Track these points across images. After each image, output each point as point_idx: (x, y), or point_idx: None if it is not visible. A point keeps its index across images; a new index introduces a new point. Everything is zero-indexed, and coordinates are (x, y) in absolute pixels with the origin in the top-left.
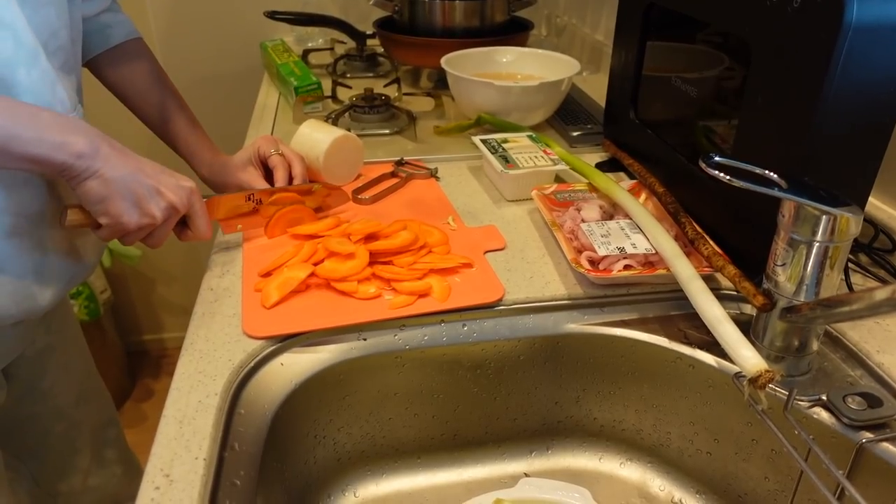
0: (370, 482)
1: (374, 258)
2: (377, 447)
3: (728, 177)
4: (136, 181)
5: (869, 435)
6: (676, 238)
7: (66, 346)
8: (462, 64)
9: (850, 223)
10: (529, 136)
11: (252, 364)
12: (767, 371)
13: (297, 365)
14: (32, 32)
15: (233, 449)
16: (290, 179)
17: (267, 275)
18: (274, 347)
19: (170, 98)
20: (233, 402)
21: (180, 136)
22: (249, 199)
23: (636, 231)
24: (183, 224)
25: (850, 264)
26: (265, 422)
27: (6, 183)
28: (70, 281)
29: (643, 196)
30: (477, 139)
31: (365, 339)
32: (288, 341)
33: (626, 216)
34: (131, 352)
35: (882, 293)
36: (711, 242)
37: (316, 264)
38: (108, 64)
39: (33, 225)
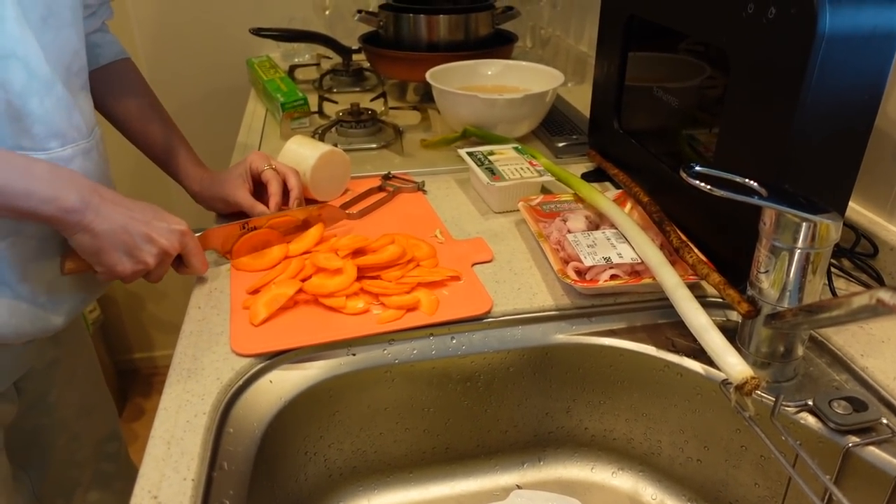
0: (362, 498)
1: (362, 273)
2: (368, 462)
3: (709, 186)
4: (127, 231)
5: (855, 439)
6: (662, 247)
7: (72, 358)
8: (447, 77)
9: (830, 229)
10: (515, 148)
11: (241, 382)
12: (753, 378)
13: (287, 382)
14: (48, 61)
15: (222, 468)
16: (287, 193)
17: (255, 292)
18: (262, 365)
19: (158, 117)
20: (221, 421)
21: (170, 153)
22: (244, 227)
23: (622, 241)
24: (180, 260)
25: (833, 269)
26: (254, 440)
27: None
28: (83, 300)
29: (628, 205)
30: (463, 152)
31: (354, 355)
32: (276, 358)
33: (612, 226)
34: (121, 370)
35: (862, 298)
36: (696, 251)
37: (304, 280)
38: (95, 83)
39: (51, 247)
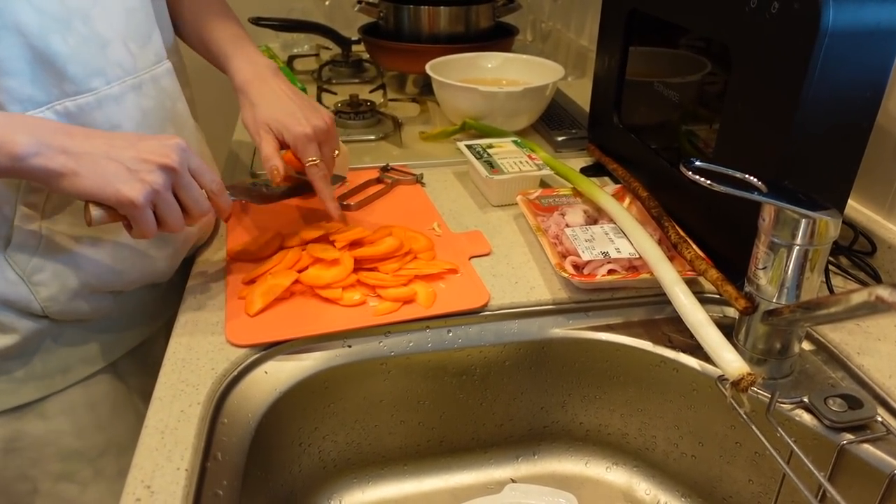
0: (356, 490)
1: (359, 265)
2: (363, 455)
3: (708, 181)
4: (110, 158)
5: (850, 436)
6: (660, 242)
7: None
8: (447, 69)
9: (829, 226)
10: (514, 142)
11: (235, 373)
12: (749, 374)
13: (282, 373)
14: None
15: (215, 459)
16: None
17: (251, 282)
18: (258, 355)
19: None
20: (216, 412)
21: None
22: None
23: (620, 235)
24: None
25: (830, 266)
26: (249, 431)
27: None
28: (184, 241)
29: (627, 200)
30: (462, 145)
31: (350, 346)
32: (272, 349)
33: (611, 221)
34: None
35: (860, 296)
36: (694, 246)
37: (300, 271)
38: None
39: None
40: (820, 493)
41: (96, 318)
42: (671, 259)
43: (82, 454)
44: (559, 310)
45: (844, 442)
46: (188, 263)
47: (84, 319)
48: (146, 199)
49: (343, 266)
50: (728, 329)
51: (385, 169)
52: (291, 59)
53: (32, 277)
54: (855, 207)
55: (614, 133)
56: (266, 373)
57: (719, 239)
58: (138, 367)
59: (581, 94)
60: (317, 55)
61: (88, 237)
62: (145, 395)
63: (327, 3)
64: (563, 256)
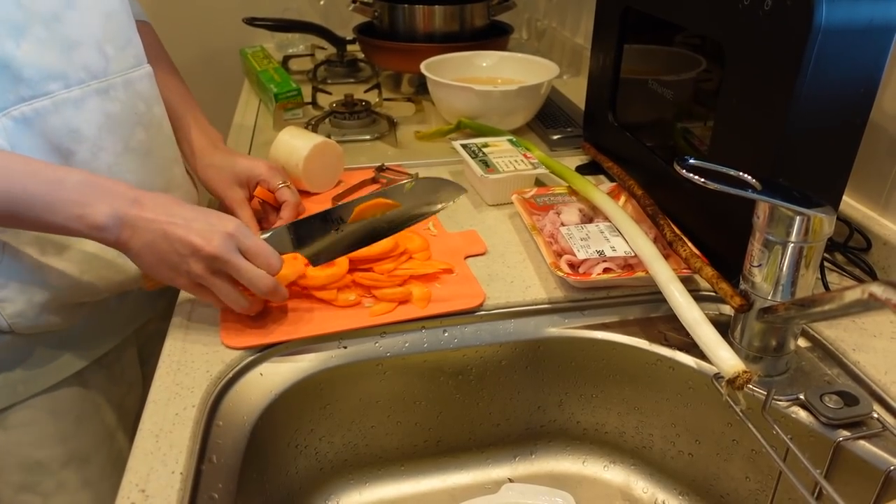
0: (353, 491)
1: (354, 265)
2: (360, 456)
3: (702, 179)
4: (166, 240)
5: (846, 433)
6: (655, 240)
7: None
8: (442, 69)
9: (824, 223)
10: (510, 140)
11: (230, 375)
12: (745, 372)
13: (277, 375)
14: (14, 3)
15: (211, 462)
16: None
17: None
18: (253, 357)
19: (174, 84)
20: (211, 414)
21: (180, 121)
22: (325, 219)
23: (615, 234)
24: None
25: (826, 263)
26: (244, 433)
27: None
28: None
29: (622, 199)
30: (457, 144)
31: (345, 347)
32: (267, 351)
33: (606, 219)
34: None
35: (855, 293)
36: (689, 244)
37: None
38: None
39: None
40: (816, 491)
41: (65, 328)
42: (666, 257)
43: (44, 465)
44: (555, 309)
45: (840, 439)
46: None
47: (52, 332)
48: (192, 286)
49: (338, 266)
50: (724, 327)
51: (380, 169)
52: (286, 59)
53: None
54: (850, 204)
55: (609, 131)
56: (261, 375)
57: (714, 236)
58: (106, 375)
59: (576, 92)
60: (312, 55)
61: (53, 248)
62: (113, 404)
63: (322, 2)
64: (559, 255)
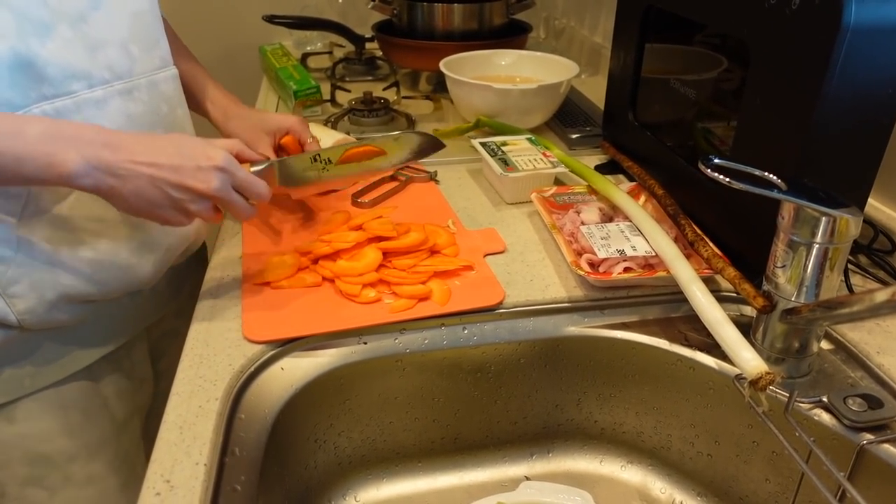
0: (371, 486)
1: (385, 258)
2: (378, 451)
3: (727, 179)
4: (155, 186)
5: (870, 436)
6: (676, 240)
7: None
8: (461, 67)
9: (850, 224)
10: (528, 139)
11: (252, 369)
12: (768, 373)
13: (298, 369)
14: (41, 2)
15: (233, 454)
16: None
17: (264, 283)
18: (274, 352)
19: (184, 56)
20: (233, 407)
21: (196, 86)
22: (315, 160)
23: (636, 233)
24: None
25: (849, 265)
26: (266, 426)
27: None
28: (168, 250)
29: (642, 198)
30: (476, 142)
31: (365, 343)
32: (288, 345)
33: (626, 218)
34: None
35: (882, 295)
36: (711, 244)
37: (315, 261)
38: None
39: None
40: (839, 493)
41: (74, 325)
42: (688, 257)
43: (50, 459)
44: (574, 308)
45: (864, 442)
46: (178, 270)
47: (61, 327)
48: (175, 221)
49: (373, 258)
50: (745, 328)
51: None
52: (305, 56)
53: (8, 289)
54: (874, 206)
55: (629, 130)
56: (282, 369)
57: (736, 237)
58: (115, 371)
59: (595, 91)
60: (330, 53)
61: (67, 246)
62: (122, 399)
63: (341, 0)
64: (579, 254)
